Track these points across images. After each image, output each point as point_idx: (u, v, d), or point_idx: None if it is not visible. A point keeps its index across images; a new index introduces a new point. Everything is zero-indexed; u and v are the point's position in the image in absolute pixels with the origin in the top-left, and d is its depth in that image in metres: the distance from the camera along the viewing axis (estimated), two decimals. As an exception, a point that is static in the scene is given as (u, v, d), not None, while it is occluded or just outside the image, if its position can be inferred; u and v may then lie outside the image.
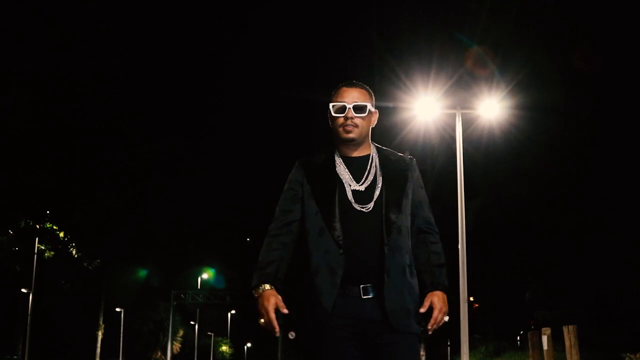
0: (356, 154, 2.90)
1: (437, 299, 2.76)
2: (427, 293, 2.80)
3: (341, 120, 2.85)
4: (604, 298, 28.65)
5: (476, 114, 13.80)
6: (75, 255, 27.87)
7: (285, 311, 2.70)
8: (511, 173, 28.24)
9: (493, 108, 13.58)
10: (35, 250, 26.96)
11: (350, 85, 2.92)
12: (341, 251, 2.71)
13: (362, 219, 2.76)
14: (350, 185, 2.82)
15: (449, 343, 44.69)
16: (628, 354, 13.62)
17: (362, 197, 2.80)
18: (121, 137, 25.99)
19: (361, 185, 2.82)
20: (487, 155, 25.63)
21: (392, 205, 2.79)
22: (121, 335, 40.64)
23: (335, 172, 2.85)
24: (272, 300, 2.69)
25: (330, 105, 2.88)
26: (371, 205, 2.78)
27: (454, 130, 13.33)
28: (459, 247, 12.96)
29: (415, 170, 2.94)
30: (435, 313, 2.74)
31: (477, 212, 32.36)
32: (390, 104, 14.03)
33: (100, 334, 37.61)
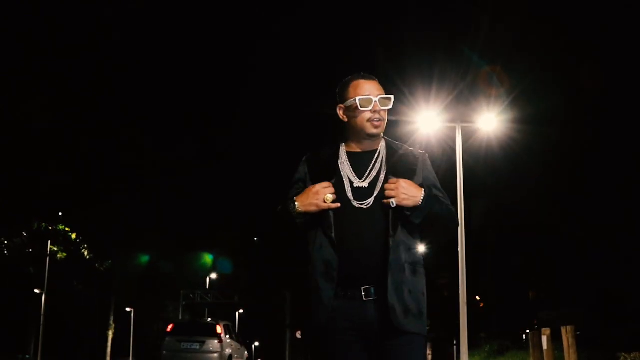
0: (364, 148, 2.76)
1: (408, 183, 2.63)
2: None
3: (368, 114, 2.70)
4: (606, 298, 28.93)
5: (475, 127, 14.46)
6: (87, 257, 28.32)
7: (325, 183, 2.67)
8: (509, 181, 29.07)
9: (491, 121, 14.26)
10: (48, 252, 27.36)
11: (367, 77, 2.77)
12: (334, 249, 2.61)
13: (362, 216, 2.63)
14: (352, 183, 2.69)
15: (455, 342, 44.95)
16: (623, 354, 14.00)
17: (364, 193, 2.67)
18: (132, 141, 26.45)
19: (363, 181, 2.69)
20: (486, 165, 26.44)
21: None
22: (131, 334, 41.04)
23: (338, 168, 2.73)
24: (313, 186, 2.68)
25: (357, 99, 2.70)
26: (371, 201, 2.65)
27: (454, 142, 13.96)
28: (459, 254, 13.45)
29: (426, 164, 2.79)
30: (390, 182, 2.64)
31: (483, 211, 32.99)
32: (394, 118, 14.70)
33: (110, 334, 38.05)
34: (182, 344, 18.72)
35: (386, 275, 2.58)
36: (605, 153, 26.42)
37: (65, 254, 27.43)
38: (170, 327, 20.21)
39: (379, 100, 2.71)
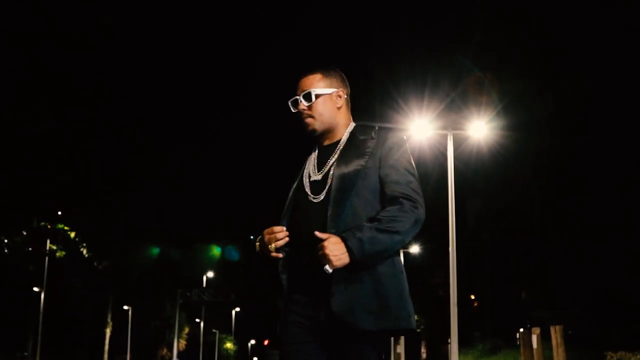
0: (329, 141, 2.68)
1: (331, 241, 2.40)
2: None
3: (297, 114, 2.67)
4: (598, 298, 29.28)
5: (466, 135, 14.92)
6: (86, 255, 28.56)
7: (284, 232, 2.56)
8: (499, 186, 29.77)
9: (482, 129, 14.72)
10: (47, 250, 27.57)
11: (301, 75, 2.69)
12: (294, 247, 2.57)
13: (312, 211, 2.54)
14: (310, 176, 2.63)
15: (449, 341, 45.18)
16: (610, 353, 14.39)
17: (319, 186, 2.58)
18: (132, 141, 26.71)
19: (319, 174, 2.61)
20: (476, 171, 27.03)
21: (341, 190, 2.51)
22: (129, 332, 41.31)
23: (305, 163, 2.70)
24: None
25: (289, 103, 2.69)
26: (322, 195, 2.55)
27: (445, 149, 14.39)
28: (450, 257, 13.83)
29: (387, 143, 2.57)
30: (321, 251, 2.40)
31: (475, 214, 33.56)
32: (388, 125, 15.29)
33: (108, 331, 38.32)
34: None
35: (330, 274, 2.43)
36: (593, 157, 26.96)
37: (64, 253, 27.63)
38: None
39: (302, 99, 2.64)
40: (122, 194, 27.21)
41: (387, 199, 2.51)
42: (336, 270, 2.41)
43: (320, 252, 2.40)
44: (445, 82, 25.71)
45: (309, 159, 2.70)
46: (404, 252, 33.93)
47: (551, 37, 28.78)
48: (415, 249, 35.05)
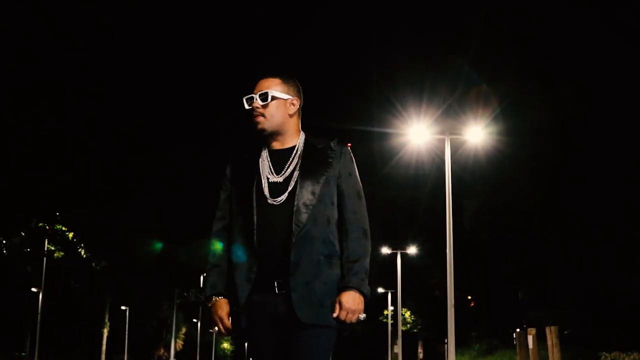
0: (280, 146, 2.78)
1: (344, 299, 2.63)
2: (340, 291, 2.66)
3: (250, 111, 2.77)
4: (594, 299, 29.45)
5: (463, 139, 15.17)
6: (84, 256, 28.57)
7: (229, 326, 2.72)
8: (495, 188, 30.12)
9: (478, 134, 14.98)
10: (45, 251, 27.57)
11: (263, 76, 2.80)
12: (254, 247, 2.67)
13: (275, 212, 2.66)
14: (268, 178, 2.72)
15: (446, 341, 45.28)
16: (604, 353, 14.56)
17: (279, 189, 2.69)
18: (132, 141, 26.72)
19: (280, 176, 2.71)
20: (473, 174, 27.33)
21: (305, 194, 2.66)
22: (126, 332, 41.39)
23: (258, 166, 2.76)
24: (224, 308, 2.73)
25: (244, 99, 2.78)
26: (284, 197, 2.67)
27: (443, 153, 14.59)
28: (447, 259, 13.99)
29: (344, 157, 2.76)
30: (342, 314, 2.63)
31: (473, 215, 33.81)
32: (387, 130, 15.63)
33: (105, 332, 38.37)
34: None
35: (292, 271, 2.62)
36: (590, 158, 27.18)
37: (62, 253, 27.63)
38: None
39: (258, 97, 2.75)
40: (122, 193, 27.21)
41: (344, 215, 2.73)
42: (295, 271, 2.61)
43: (348, 316, 2.64)
44: (443, 88, 26.09)
45: (261, 160, 2.78)
46: (402, 253, 34.14)
47: (547, 41, 29.06)
48: (412, 249, 35.22)
